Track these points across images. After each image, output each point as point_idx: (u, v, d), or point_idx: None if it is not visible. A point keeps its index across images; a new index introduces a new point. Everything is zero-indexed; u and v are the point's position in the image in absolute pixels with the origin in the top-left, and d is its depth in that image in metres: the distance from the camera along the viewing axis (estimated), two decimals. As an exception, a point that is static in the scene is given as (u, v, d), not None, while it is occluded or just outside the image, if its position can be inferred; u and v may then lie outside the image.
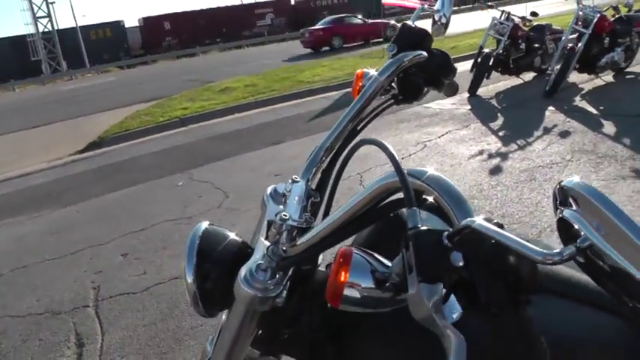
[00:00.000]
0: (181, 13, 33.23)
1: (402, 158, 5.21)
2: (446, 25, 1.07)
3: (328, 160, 1.04)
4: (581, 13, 7.18)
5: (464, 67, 8.38)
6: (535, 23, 8.42)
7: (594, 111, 6.23)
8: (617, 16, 7.78)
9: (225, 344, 0.89)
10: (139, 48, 31.87)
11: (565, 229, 0.59)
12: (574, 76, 7.69)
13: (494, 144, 5.38)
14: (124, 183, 5.95)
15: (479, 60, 7.87)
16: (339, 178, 0.92)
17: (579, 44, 6.95)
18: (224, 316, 1.05)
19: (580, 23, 7.16)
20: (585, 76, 7.80)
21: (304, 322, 0.87)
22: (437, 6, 1.07)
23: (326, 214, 0.94)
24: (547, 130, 5.59)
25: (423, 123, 6.62)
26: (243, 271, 0.80)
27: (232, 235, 0.91)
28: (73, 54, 30.36)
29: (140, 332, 2.90)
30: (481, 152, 5.16)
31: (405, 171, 0.67)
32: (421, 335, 0.82)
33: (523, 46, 8.10)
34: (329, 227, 0.74)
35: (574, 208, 0.59)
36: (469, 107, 7.31)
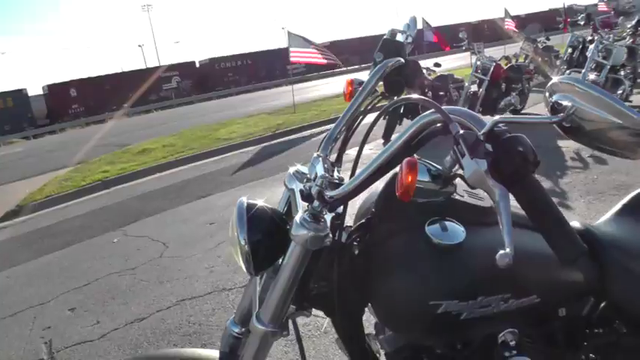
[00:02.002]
0: (86, 79, 32.76)
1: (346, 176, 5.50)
2: (412, 43, 1.38)
3: (341, 139, 1.30)
4: (479, 62, 8.26)
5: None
6: (439, 73, 9.20)
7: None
8: (509, 65, 8.98)
9: (280, 286, 1.10)
10: (45, 117, 30.93)
11: (556, 113, 0.96)
12: (477, 117, 8.45)
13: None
14: (56, 245, 5.84)
15: (390, 108, 8.45)
16: (365, 141, 1.19)
17: (480, 89, 7.85)
18: (257, 286, 1.26)
19: (479, 71, 8.21)
20: (488, 117, 8.59)
21: (334, 271, 1.10)
22: (403, 27, 1.39)
23: (354, 168, 1.19)
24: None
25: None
26: (297, 219, 1.04)
27: (265, 204, 1.14)
28: (-31, 127, 28.96)
29: (106, 374, 2.94)
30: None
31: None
32: (435, 256, 1.08)
33: (430, 94, 8.84)
34: (377, 164, 1.00)
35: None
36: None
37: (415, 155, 0.98)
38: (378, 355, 1.32)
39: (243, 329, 1.31)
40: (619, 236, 1.28)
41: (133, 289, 4.13)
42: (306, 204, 1.07)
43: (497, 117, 0.90)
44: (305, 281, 1.14)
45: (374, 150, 7.88)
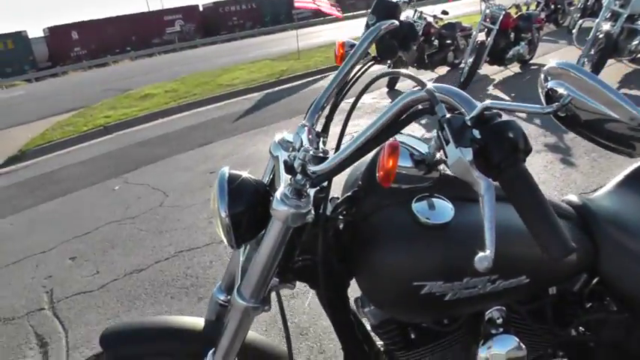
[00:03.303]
0: (88, 21, 32.04)
1: (331, 149, 5.46)
2: (409, 3, 1.31)
3: (328, 107, 1.25)
4: (488, 11, 7.94)
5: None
6: (446, 21, 8.96)
7: (507, 97, 6.79)
8: (519, 13, 8.66)
9: (261, 262, 1.08)
10: (46, 60, 30.50)
11: (551, 101, 0.90)
12: (485, 69, 8.30)
13: (417, 130, 5.74)
14: (57, 192, 5.86)
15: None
16: (349, 115, 1.13)
17: (489, 39, 7.61)
18: (241, 257, 1.24)
19: (488, 20, 7.92)
20: (495, 68, 8.46)
21: (319, 244, 1.07)
22: None
23: (339, 142, 1.14)
24: (464, 116, 6.04)
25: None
26: (277, 194, 1.00)
27: (247, 175, 1.11)
28: (-30, 68, 28.65)
29: (104, 325, 2.96)
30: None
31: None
32: (421, 236, 1.05)
33: (436, 42, 8.64)
34: (360, 142, 0.95)
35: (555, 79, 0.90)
36: (389, 100, 7.68)
37: (398, 138, 0.94)
38: (363, 327, 1.31)
39: (229, 297, 1.30)
40: (616, 210, 1.23)
41: (132, 238, 4.15)
42: (289, 177, 1.03)
43: (487, 101, 0.84)
44: (289, 254, 1.12)
45: (377, 99, 7.81)
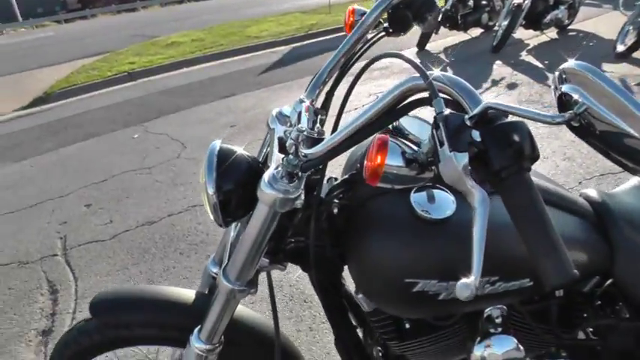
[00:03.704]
0: (120, -36, 31.79)
1: (355, 108, 5.35)
2: None
3: (331, 82, 1.16)
4: None
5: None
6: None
7: (540, 65, 6.52)
8: None
9: (246, 246, 1.01)
10: (76, 2, 30.40)
11: (564, 105, 0.77)
12: (520, 33, 7.96)
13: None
14: (78, 137, 5.86)
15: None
16: (348, 95, 1.03)
17: (526, 1, 7.21)
18: (232, 232, 1.18)
19: None
20: (531, 32, 8.09)
21: (311, 229, 1.00)
22: None
23: (336, 125, 1.06)
24: (495, 83, 5.84)
25: (374, 76, 6.74)
26: (265, 176, 0.93)
27: (241, 151, 1.03)
28: (1, 7, 28.59)
29: (114, 276, 2.98)
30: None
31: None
32: (417, 231, 0.97)
33: (471, 2, 8.28)
34: (353, 128, 0.86)
35: (571, 83, 0.77)
36: (418, 61, 7.33)
37: (396, 127, 0.85)
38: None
39: None
40: (637, 209, 1.13)
41: (147, 189, 4.13)
42: (282, 156, 0.95)
43: (491, 101, 0.73)
44: (280, 235, 1.05)
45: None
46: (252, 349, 1.31)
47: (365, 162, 0.82)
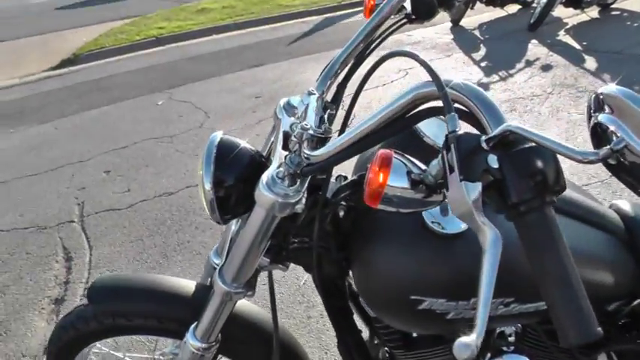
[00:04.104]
0: None
1: (384, 84, 5.21)
2: None
3: (344, 74, 1.06)
4: None
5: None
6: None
7: (577, 46, 6.24)
8: None
9: (243, 249, 0.93)
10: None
11: (598, 136, 0.65)
12: (559, 11, 7.61)
13: (476, 74, 5.40)
14: (103, 101, 5.84)
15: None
16: (359, 92, 0.93)
17: (567, -23, 6.90)
18: (233, 226, 1.10)
19: None
20: (570, 10, 7.72)
21: (314, 230, 0.92)
22: None
23: (344, 126, 0.97)
24: (529, 63, 5.61)
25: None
26: (264, 177, 0.84)
27: (245, 144, 0.94)
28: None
29: (127, 248, 2.96)
30: (463, 82, 5.18)
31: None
32: (427, 245, 0.88)
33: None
34: (359, 133, 0.77)
35: (608, 112, 0.64)
36: (452, 37, 7.24)
37: (391, 147, 0.75)
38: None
39: None
40: None
41: (167, 158, 4.08)
42: (285, 154, 0.86)
43: (513, 122, 0.62)
44: (282, 235, 0.97)
45: (439, 34, 7.37)
46: (251, 345, 1.24)
47: (365, 180, 0.73)
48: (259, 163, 0.94)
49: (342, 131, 0.94)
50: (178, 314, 1.20)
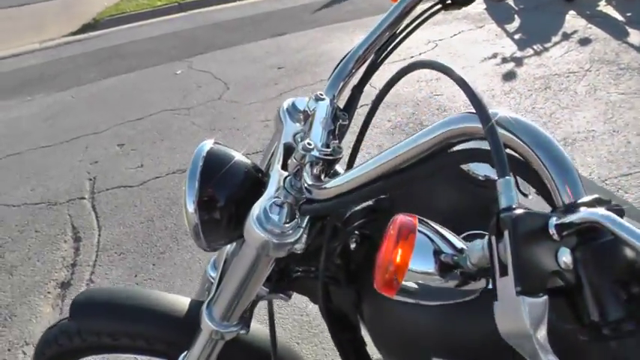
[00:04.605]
0: None
1: (412, 57, 4.94)
2: None
3: (361, 73, 0.86)
4: None
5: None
6: None
7: (620, 18, 5.82)
8: None
9: (233, 286, 0.76)
10: None
11: None
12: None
13: (509, 47, 5.08)
14: (121, 69, 5.69)
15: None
16: (378, 104, 0.73)
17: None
18: (229, 246, 0.93)
19: None
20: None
21: (321, 262, 0.74)
22: None
23: (356, 146, 0.77)
24: (566, 36, 5.26)
25: (435, 20, 6.17)
26: (256, 208, 0.66)
27: (240, 157, 0.76)
28: None
29: (137, 229, 2.82)
30: (495, 55, 4.87)
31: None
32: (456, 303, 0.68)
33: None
34: (372, 171, 0.58)
35: None
36: (484, 7, 6.86)
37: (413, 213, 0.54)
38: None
39: None
40: None
41: (183, 132, 3.92)
42: (283, 175, 0.68)
43: (598, 205, 0.41)
44: (283, 264, 0.81)
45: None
46: None
47: (376, 259, 0.54)
48: (256, 179, 0.76)
49: (350, 164, 0.75)
50: (169, 336, 1.04)
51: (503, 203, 0.43)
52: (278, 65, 5.23)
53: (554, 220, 0.41)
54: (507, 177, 0.44)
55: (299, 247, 0.66)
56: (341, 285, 0.81)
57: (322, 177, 0.66)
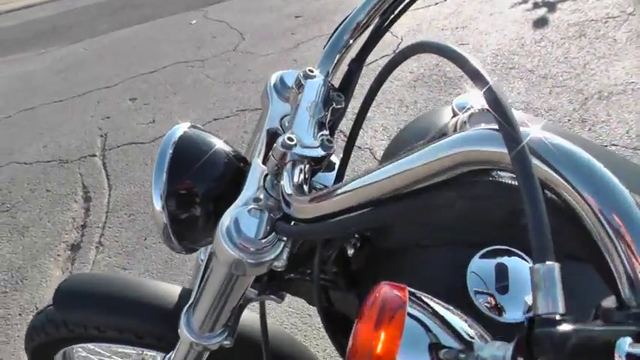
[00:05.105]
0: None
1: (436, 3, 4.66)
2: None
3: (360, 45, 0.71)
4: None
5: None
6: None
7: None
8: None
9: (209, 298, 0.64)
10: None
11: None
12: None
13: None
14: (134, 19, 5.52)
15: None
16: (378, 88, 0.58)
17: None
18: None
19: None
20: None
21: (314, 268, 0.62)
22: None
23: (351, 141, 0.63)
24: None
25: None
26: (226, 218, 0.53)
27: (221, 144, 0.63)
28: None
29: (147, 189, 2.72)
30: (526, 0, 4.58)
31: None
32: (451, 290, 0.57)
33: None
34: (362, 194, 0.45)
35: None
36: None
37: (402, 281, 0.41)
38: None
39: None
40: None
41: (197, 85, 3.77)
42: (264, 172, 0.55)
43: None
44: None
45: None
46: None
47: (352, 338, 0.40)
48: (238, 170, 0.63)
49: (339, 176, 0.61)
50: (159, 330, 0.94)
51: (540, 307, 0.29)
52: (296, 14, 5.00)
53: (626, 346, 0.25)
54: (549, 263, 0.29)
55: (280, 265, 0.54)
56: (341, 289, 0.69)
57: (306, 185, 0.53)
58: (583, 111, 2.61)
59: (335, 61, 0.68)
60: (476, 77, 0.38)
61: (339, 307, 0.74)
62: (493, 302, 0.53)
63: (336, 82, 0.69)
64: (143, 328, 0.95)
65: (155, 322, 0.94)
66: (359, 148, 2.61)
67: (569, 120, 2.56)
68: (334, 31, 0.69)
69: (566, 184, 0.32)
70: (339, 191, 0.47)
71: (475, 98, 0.65)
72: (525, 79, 3.01)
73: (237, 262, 0.52)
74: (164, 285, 0.99)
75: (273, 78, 0.70)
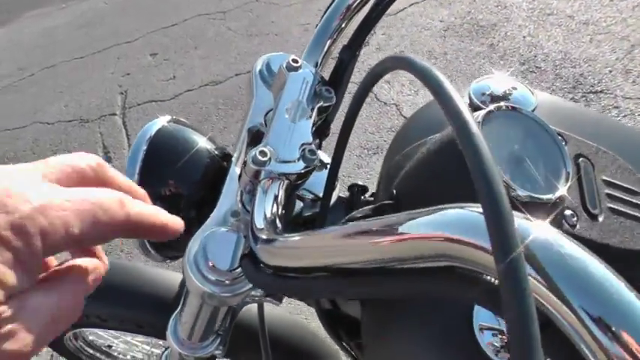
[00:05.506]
0: None
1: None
2: None
3: (356, 27, 0.59)
4: None
5: None
6: None
7: None
8: None
9: (192, 312, 0.55)
10: None
11: None
12: None
13: None
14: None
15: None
16: (366, 93, 0.45)
17: None
18: None
19: None
20: None
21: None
22: None
23: (339, 149, 0.50)
24: None
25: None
26: (194, 244, 0.43)
27: (205, 142, 0.53)
28: None
29: (168, 148, 2.65)
30: None
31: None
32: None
33: None
34: (340, 254, 0.34)
35: None
36: None
37: None
38: None
39: None
40: None
41: (218, 39, 3.63)
42: (243, 180, 0.45)
43: None
44: None
45: None
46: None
47: None
48: (223, 170, 0.53)
49: (330, 183, 0.50)
50: (159, 319, 0.87)
51: None
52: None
53: None
54: None
55: (259, 295, 0.43)
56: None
57: (280, 221, 0.42)
58: (628, 60, 2.39)
59: (325, 50, 0.57)
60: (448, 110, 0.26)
61: (343, 309, 0.65)
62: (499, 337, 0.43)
63: (326, 74, 0.58)
64: (143, 317, 0.89)
65: (155, 311, 0.88)
66: (385, 104, 2.46)
67: (610, 71, 2.34)
68: (323, 14, 0.58)
69: (576, 319, 0.22)
70: (312, 243, 0.36)
71: (498, 83, 0.52)
72: (564, 25, 2.77)
73: (210, 295, 0.42)
74: (164, 272, 0.93)
75: (259, 63, 0.59)
